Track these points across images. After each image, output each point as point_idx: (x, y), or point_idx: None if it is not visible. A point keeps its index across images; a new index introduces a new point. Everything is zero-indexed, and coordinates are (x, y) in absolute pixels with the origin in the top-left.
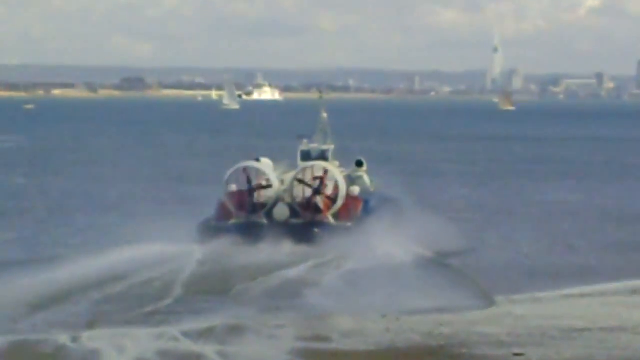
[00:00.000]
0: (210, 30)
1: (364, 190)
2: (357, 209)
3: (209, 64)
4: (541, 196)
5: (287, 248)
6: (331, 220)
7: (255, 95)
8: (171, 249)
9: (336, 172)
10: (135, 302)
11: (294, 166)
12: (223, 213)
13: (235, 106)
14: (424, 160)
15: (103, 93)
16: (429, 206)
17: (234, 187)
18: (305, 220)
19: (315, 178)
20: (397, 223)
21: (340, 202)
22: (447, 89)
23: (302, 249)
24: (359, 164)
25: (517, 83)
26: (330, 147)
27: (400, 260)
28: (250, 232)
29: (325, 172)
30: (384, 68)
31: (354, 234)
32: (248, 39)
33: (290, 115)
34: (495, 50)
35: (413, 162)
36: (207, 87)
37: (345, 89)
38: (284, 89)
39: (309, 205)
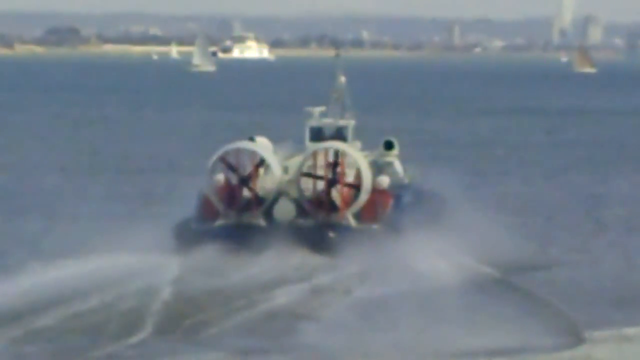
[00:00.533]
0: None
1: (395, 182)
2: (385, 206)
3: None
4: (627, 194)
5: (292, 260)
6: (351, 221)
7: (236, 53)
8: (134, 261)
9: (358, 157)
10: (71, 344)
11: (300, 148)
12: (207, 212)
13: (210, 67)
14: (468, 144)
15: (21, 49)
16: (480, 205)
17: (221, 178)
18: (317, 222)
19: (330, 165)
20: (439, 226)
21: (363, 197)
22: (498, 44)
23: (312, 261)
24: (389, 145)
25: (595, 35)
26: (349, 122)
27: (444, 277)
28: (242, 236)
29: (344, 156)
30: (411, 15)
31: (381, 241)
32: None
33: (286, 80)
34: None
35: (453, 146)
36: (165, 42)
37: (358, 43)
38: (272, 44)
39: (321, 201)
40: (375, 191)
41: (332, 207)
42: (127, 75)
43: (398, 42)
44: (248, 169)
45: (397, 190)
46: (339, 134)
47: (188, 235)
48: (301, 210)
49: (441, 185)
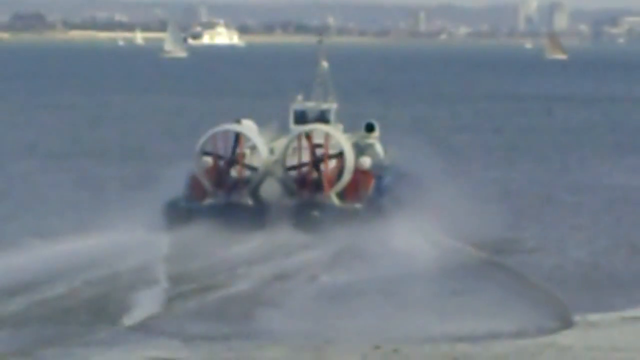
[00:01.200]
0: None
1: (376, 163)
2: (367, 186)
3: None
4: (595, 179)
5: (278, 237)
6: (335, 200)
7: (206, 39)
8: (125, 239)
9: (342, 139)
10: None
11: (285, 130)
12: (196, 191)
13: (181, 53)
14: (439, 129)
15: None
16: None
17: (209, 159)
18: (302, 201)
19: (314, 146)
20: (418, 206)
21: (346, 178)
22: (463, 30)
23: (297, 238)
24: (370, 128)
25: (560, 22)
26: (332, 105)
27: (422, 255)
28: (230, 215)
29: (328, 137)
30: (376, 1)
31: (363, 219)
32: None
33: (258, 66)
34: None
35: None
36: (131, 28)
37: (323, 29)
38: (238, 31)
39: (306, 181)
40: (358, 172)
41: (317, 187)
42: (96, 62)
43: (364, 28)
44: (235, 151)
45: (378, 171)
46: (322, 117)
47: (177, 214)
48: (287, 190)
49: (418, 167)
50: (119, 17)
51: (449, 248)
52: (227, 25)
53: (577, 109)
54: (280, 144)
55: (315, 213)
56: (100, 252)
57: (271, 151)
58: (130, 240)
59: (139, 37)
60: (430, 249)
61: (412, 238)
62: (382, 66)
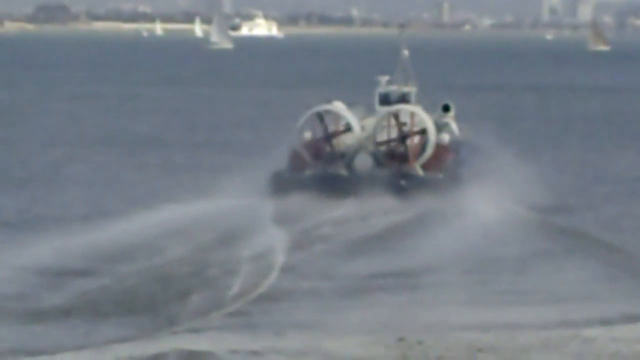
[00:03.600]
0: None
1: (453, 139)
2: (447, 158)
3: None
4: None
5: (370, 203)
6: (419, 171)
7: (245, 30)
8: (238, 204)
9: (425, 118)
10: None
11: (370, 111)
12: (297, 164)
13: (228, 44)
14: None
15: (11, 27)
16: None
17: (308, 135)
18: (391, 171)
19: (400, 124)
20: (490, 176)
21: (429, 151)
22: (487, 22)
23: (387, 203)
24: (446, 108)
25: (584, 13)
26: (412, 89)
27: (495, 217)
28: (327, 184)
29: (413, 117)
30: None
31: (444, 187)
32: None
33: (309, 57)
34: None
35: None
36: (155, 19)
37: (347, 20)
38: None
39: (394, 155)
40: (439, 146)
41: (403, 159)
42: (130, 53)
43: (387, 20)
44: (331, 128)
45: (455, 146)
46: (404, 99)
47: (282, 183)
48: (377, 162)
49: (488, 142)
50: (142, 8)
51: (517, 212)
52: (266, 17)
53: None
54: (369, 122)
55: (403, 182)
56: (219, 213)
57: (362, 128)
58: (243, 205)
59: (158, 28)
60: (501, 212)
61: (486, 204)
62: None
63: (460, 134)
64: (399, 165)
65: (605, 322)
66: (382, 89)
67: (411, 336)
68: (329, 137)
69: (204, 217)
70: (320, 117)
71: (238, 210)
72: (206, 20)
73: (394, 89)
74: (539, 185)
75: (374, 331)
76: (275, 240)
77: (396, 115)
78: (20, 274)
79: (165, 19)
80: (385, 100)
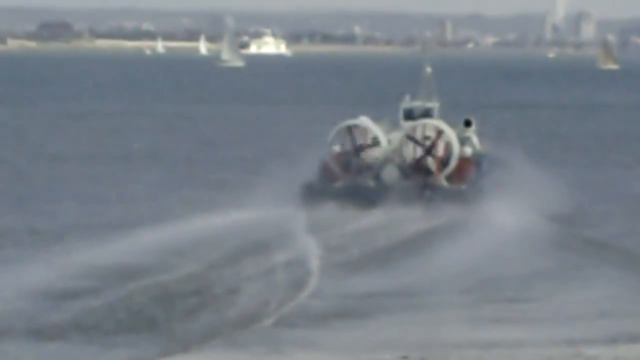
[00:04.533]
0: None
1: (474, 152)
2: (470, 170)
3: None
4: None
5: (397, 213)
6: (444, 182)
7: (253, 49)
8: (272, 214)
9: (449, 132)
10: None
11: (395, 126)
12: (327, 175)
13: (239, 62)
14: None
15: (14, 44)
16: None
17: (337, 148)
18: (417, 183)
19: (426, 137)
20: (511, 187)
21: (453, 164)
22: (490, 39)
23: (413, 213)
24: (467, 123)
25: (587, 31)
26: (435, 104)
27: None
28: (357, 195)
29: (438, 131)
30: (403, 10)
31: (468, 198)
32: None
33: (320, 75)
34: None
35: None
36: (156, 37)
37: (350, 39)
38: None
39: (420, 167)
40: (462, 159)
41: (428, 171)
42: (134, 71)
43: (390, 38)
44: (359, 142)
45: (477, 159)
46: (427, 114)
47: (313, 194)
48: (404, 174)
49: (510, 156)
50: (146, 26)
51: (538, 222)
52: (275, 35)
53: None
54: (395, 136)
55: (428, 193)
56: (255, 221)
57: (388, 142)
58: (277, 215)
59: (160, 46)
60: (524, 221)
61: (507, 214)
62: (407, 75)
63: (481, 147)
64: (424, 177)
65: (609, 341)
66: (406, 104)
67: (414, 354)
68: (357, 150)
69: (241, 224)
70: (349, 131)
71: (273, 219)
72: (210, 39)
73: (418, 104)
74: (557, 197)
75: (377, 349)
76: (308, 249)
77: (422, 129)
78: (22, 292)
79: (168, 37)
80: (409, 115)
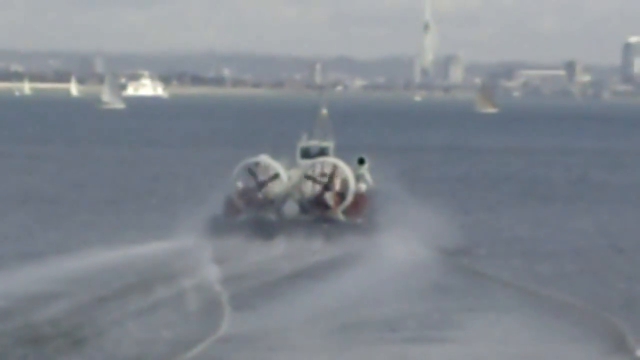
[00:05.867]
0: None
1: (367, 188)
2: (364, 205)
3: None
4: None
5: (296, 245)
6: (341, 216)
7: (130, 90)
8: (179, 245)
9: (346, 169)
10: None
11: (293, 163)
12: (231, 209)
13: (120, 105)
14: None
15: None
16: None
17: (240, 184)
18: (315, 217)
19: (323, 174)
20: (401, 221)
21: (349, 199)
22: (359, 82)
23: (311, 245)
24: (361, 161)
25: (456, 75)
26: (330, 144)
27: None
28: (259, 228)
29: (335, 168)
30: (272, 53)
31: (363, 231)
32: (80, 12)
33: (195, 116)
34: (427, 28)
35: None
36: (28, 78)
37: (219, 81)
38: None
39: (318, 202)
40: (357, 194)
41: (326, 206)
42: (41, 115)
43: (259, 80)
44: (260, 177)
45: (371, 194)
46: (323, 152)
47: (218, 227)
48: (303, 208)
49: (397, 190)
50: (15, 67)
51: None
52: (152, 77)
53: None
54: (294, 173)
55: (326, 226)
56: (165, 252)
57: (288, 178)
58: (184, 246)
59: (26, 87)
60: (417, 252)
61: (399, 247)
62: (276, 118)
63: (373, 184)
64: (322, 212)
65: None
66: (303, 143)
67: None
68: (260, 185)
69: (155, 255)
70: (251, 167)
71: (180, 250)
72: (79, 80)
73: (314, 143)
74: (443, 230)
75: None
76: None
77: (320, 166)
78: None
79: (37, 78)
80: (306, 153)
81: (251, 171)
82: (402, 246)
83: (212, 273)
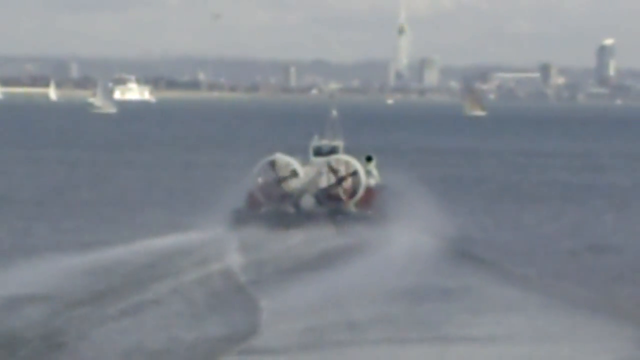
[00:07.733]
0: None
1: (377, 183)
2: (374, 198)
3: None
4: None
5: (313, 234)
6: (353, 208)
7: (117, 94)
8: (206, 235)
9: (358, 165)
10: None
11: (306, 161)
12: (253, 203)
13: (111, 109)
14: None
15: None
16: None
17: (261, 179)
18: (329, 209)
19: (337, 170)
20: (406, 212)
21: (360, 193)
22: (334, 86)
23: (326, 234)
24: (369, 158)
25: (431, 78)
26: (340, 143)
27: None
28: (278, 220)
29: (348, 165)
30: (247, 56)
31: (374, 221)
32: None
33: (196, 119)
34: (401, 32)
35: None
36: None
37: (194, 85)
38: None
39: (332, 196)
40: (367, 189)
41: (339, 199)
42: (32, 120)
43: (235, 84)
44: (279, 173)
45: (379, 189)
46: (333, 151)
47: (241, 219)
48: (319, 202)
49: (402, 186)
50: None
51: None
52: (139, 82)
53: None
54: (308, 170)
55: (340, 217)
56: (195, 242)
57: (305, 174)
58: (212, 236)
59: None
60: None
61: (407, 235)
62: (249, 122)
63: (381, 179)
64: (335, 204)
65: None
66: (315, 142)
67: None
68: (279, 181)
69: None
70: (271, 164)
71: (209, 240)
72: (56, 84)
73: (325, 142)
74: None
75: None
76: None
77: (335, 163)
78: None
79: (12, 82)
80: (319, 152)
81: (271, 168)
82: (408, 236)
83: (236, 260)
